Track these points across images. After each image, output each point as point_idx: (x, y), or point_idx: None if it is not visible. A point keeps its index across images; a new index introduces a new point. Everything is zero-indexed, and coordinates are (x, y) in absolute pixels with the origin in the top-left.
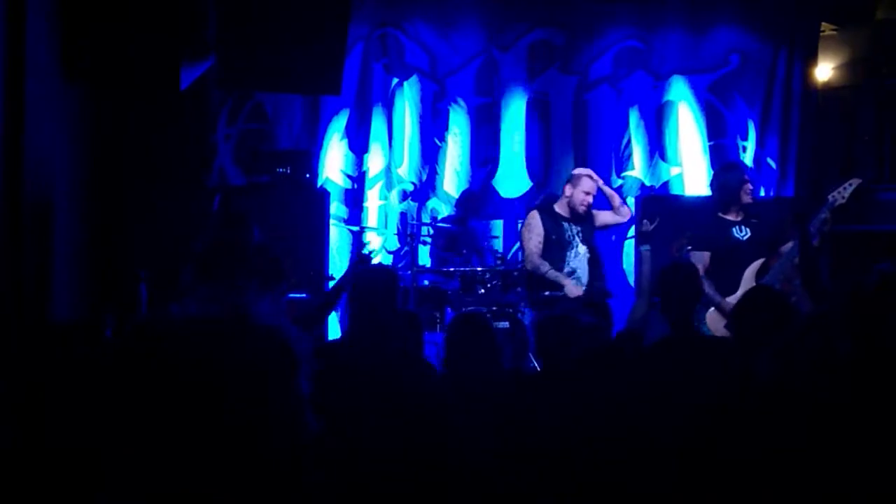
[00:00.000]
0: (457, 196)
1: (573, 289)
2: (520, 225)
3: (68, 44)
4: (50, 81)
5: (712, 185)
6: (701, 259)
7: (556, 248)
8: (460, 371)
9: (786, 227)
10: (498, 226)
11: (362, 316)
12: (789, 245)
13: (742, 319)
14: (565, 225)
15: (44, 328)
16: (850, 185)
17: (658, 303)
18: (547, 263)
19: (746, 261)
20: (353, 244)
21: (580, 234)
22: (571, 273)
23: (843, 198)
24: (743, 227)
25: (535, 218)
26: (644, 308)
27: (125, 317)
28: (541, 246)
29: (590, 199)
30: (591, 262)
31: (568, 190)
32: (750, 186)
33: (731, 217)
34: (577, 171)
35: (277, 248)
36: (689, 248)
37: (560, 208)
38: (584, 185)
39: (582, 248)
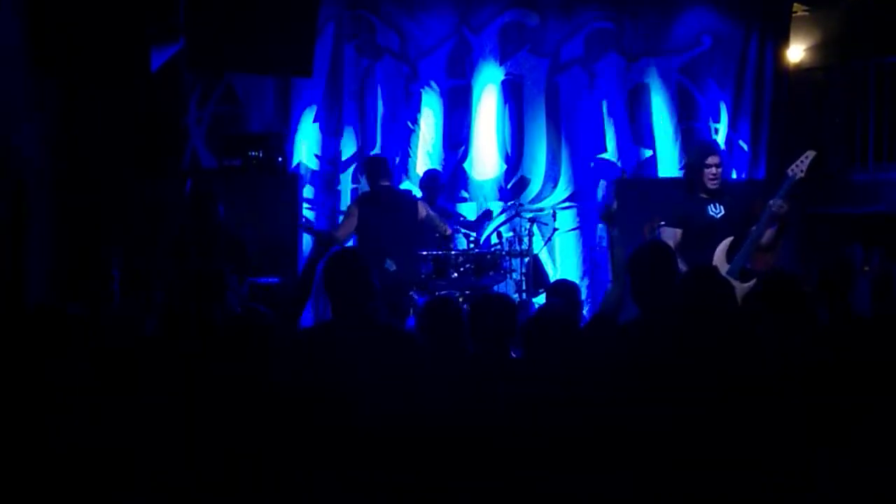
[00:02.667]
0: (422, 176)
1: None
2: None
3: (37, 29)
4: (19, 68)
5: (685, 164)
6: (672, 235)
7: None
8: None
9: (756, 207)
10: (470, 208)
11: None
12: (753, 228)
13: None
14: None
15: (17, 314)
16: (807, 157)
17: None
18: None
19: (719, 238)
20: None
21: None
22: None
23: (802, 171)
24: (717, 205)
25: None
26: (618, 292)
27: (98, 302)
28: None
29: None
30: None
31: None
32: (714, 169)
33: (705, 195)
34: None
35: (248, 231)
36: (663, 223)
37: None
38: None
39: None
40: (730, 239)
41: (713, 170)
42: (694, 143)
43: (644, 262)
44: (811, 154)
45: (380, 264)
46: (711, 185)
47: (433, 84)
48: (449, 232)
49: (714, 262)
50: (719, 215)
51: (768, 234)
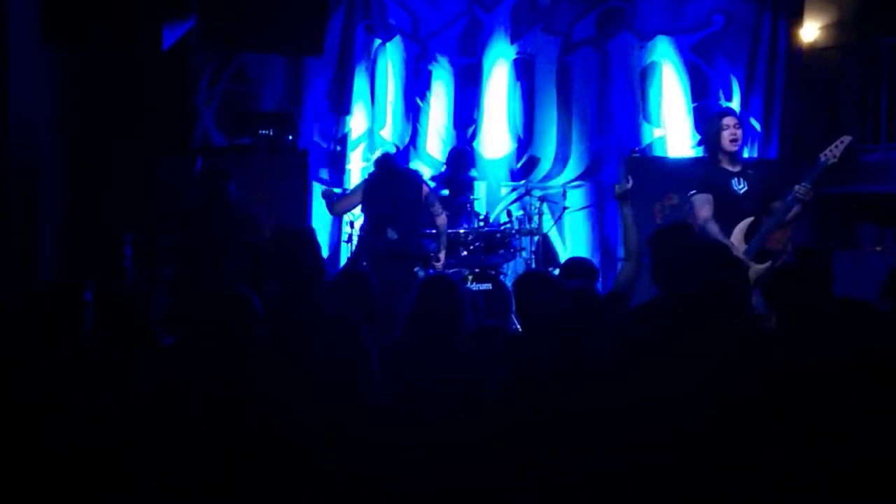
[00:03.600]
0: (442, 157)
1: None
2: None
3: (50, 6)
4: (32, 44)
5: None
6: (705, 201)
7: None
8: (423, 330)
9: (777, 185)
10: (480, 187)
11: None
12: (778, 203)
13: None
14: None
15: (28, 291)
16: (842, 142)
17: (647, 264)
18: None
19: (739, 214)
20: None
21: None
22: None
23: (836, 157)
24: (741, 180)
25: None
26: (631, 270)
27: (110, 279)
28: None
29: None
30: None
31: None
32: (732, 130)
33: (728, 167)
34: None
35: (258, 209)
36: (694, 191)
37: None
38: None
39: None
40: (750, 219)
41: (731, 130)
42: (709, 114)
43: (665, 243)
44: (846, 139)
45: (382, 232)
46: (731, 146)
47: (444, 62)
48: (442, 220)
49: (731, 240)
50: (742, 191)
51: (789, 215)
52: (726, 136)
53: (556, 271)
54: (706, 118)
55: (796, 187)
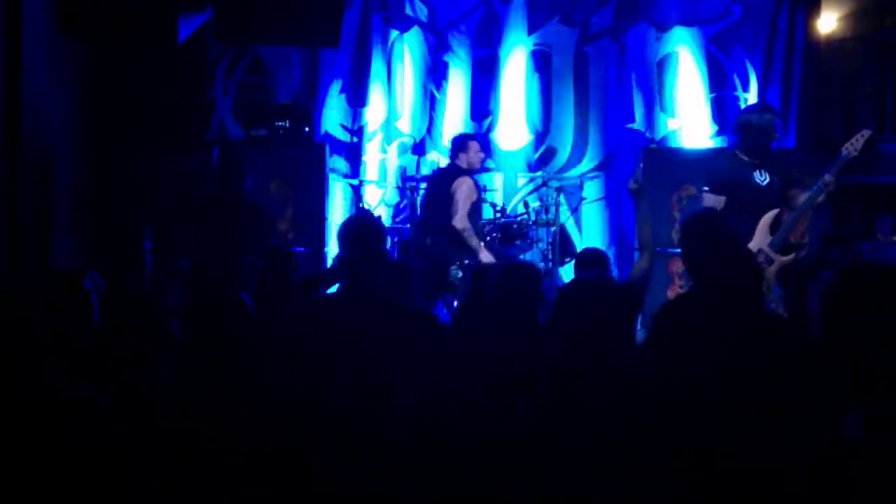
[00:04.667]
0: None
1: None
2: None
3: None
4: (47, 35)
5: (739, 126)
6: (715, 202)
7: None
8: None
9: (796, 175)
10: (497, 178)
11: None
12: (803, 197)
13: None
14: None
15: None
16: (862, 136)
17: (660, 254)
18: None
19: (763, 207)
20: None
21: None
22: None
23: (857, 150)
24: (763, 172)
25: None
26: (645, 263)
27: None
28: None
29: None
30: None
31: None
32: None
33: (748, 158)
34: None
35: (273, 202)
36: (706, 189)
37: None
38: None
39: None
40: (775, 211)
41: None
42: (758, 104)
43: (695, 232)
44: (866, 133)
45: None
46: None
47: (461, 53)
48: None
49: (757, 233)
50: (765, 182)
51: (812, 205)
52: (773, 131)
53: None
54: (742, 109)
55: (822, 179)
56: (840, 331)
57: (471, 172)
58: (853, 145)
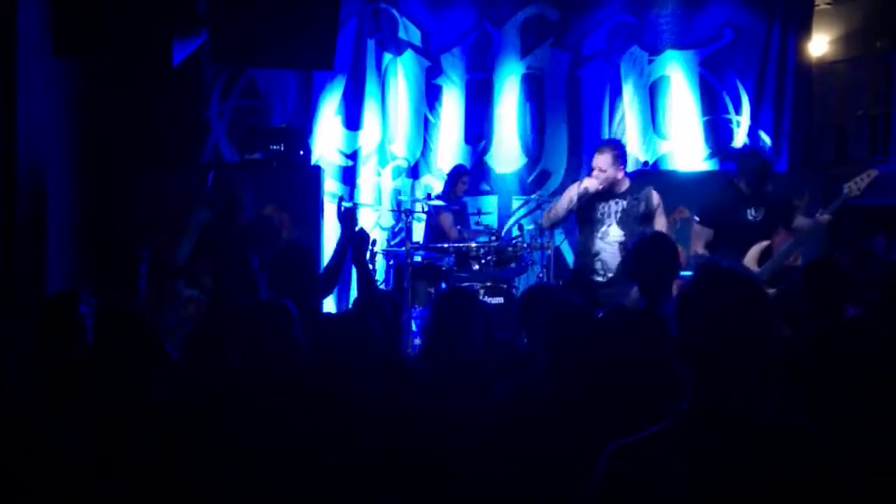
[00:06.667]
0: (449, 171)
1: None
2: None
3: (60, 19)
4: (41, 57)
5: (735, 164)
6: (702, 234)
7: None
8: (441, 346)
9: (792, 206)
10: (492, 201)
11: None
12: (802, 225)
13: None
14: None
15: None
16: (868, 176)
17: None
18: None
19: (751, 243)
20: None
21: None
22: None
23: (860, 190)
24: (759, 207)
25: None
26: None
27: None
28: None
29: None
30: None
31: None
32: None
33: (746, 191)
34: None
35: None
36: (697, 219)
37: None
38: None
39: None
40: (764, 244)
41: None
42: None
43: (646, 255)
44: (873, 174)
45: None
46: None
47: (455, 78)
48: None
49: (744, 264)
50: (757, 219)
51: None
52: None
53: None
54: (733, 149)
55: (817, 216)
56: None
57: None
58: (857, 185)
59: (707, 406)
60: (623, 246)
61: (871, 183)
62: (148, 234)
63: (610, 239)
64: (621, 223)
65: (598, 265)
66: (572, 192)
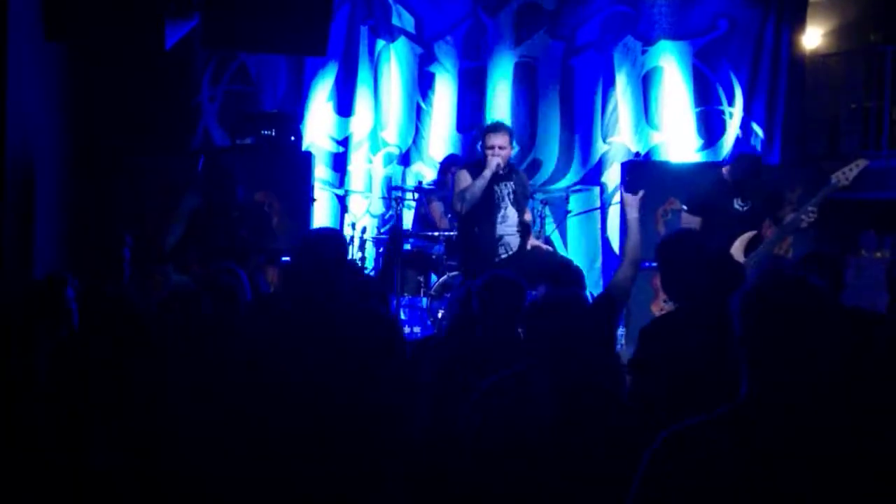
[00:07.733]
0: (441, 160)
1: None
2: None
3: (51, 2)
4: (32, 40)
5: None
6: (691, 223)
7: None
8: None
9: (780, 196)
10: None
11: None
12: (790, 217)
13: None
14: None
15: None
16: (857, 166)
17: (645, 269)
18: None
19: (737, 233)
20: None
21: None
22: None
23: (847, 180)
24: (745, 199)
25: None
26: (630, 274)
27: (107, 278)
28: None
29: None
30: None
31: None
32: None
33: (734, 181)
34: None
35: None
36: (685, 208)
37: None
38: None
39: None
40: (751, 234)
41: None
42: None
43: (674, 252)
44: (862, 164)
45: None
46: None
47: (448, 65)
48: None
49: (731, 252)
50: (744, 209)
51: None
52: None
53: None
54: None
55: (805, 209)
56: None
57: None
58: (845, 175)
59: (764, 396)
60: (520, 227)
61: (859, 173)
62: (133, 219)
63: (510, 222)
64: (515, 203)
65: (501, 250)
66: (471, 178)
